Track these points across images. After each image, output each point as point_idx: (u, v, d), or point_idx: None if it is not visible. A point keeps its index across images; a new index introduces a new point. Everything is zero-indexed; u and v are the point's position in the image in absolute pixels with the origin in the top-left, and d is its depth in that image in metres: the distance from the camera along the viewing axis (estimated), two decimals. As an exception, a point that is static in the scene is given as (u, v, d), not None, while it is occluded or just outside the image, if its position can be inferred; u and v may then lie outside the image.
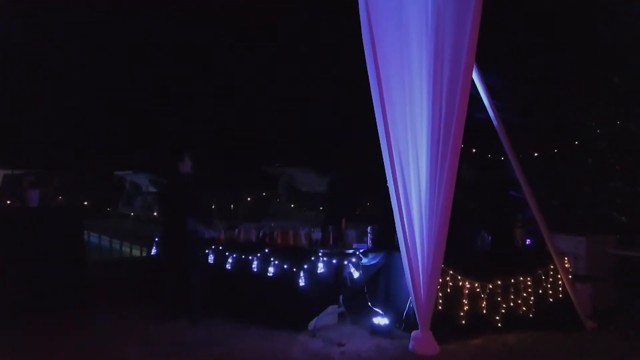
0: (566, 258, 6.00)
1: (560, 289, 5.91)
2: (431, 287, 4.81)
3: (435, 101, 4.85)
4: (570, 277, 5.91)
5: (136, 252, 8.95)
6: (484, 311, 5.52)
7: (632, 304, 6.36)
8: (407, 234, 4.79)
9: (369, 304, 5.71)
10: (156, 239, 6.85)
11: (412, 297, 4.95)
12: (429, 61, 4.90)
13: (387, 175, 4.81)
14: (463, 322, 5.38)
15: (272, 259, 5.72)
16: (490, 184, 7.77)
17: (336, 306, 5.83)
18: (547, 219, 6.20)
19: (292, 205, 9.99)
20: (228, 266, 6.16)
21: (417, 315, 4.91)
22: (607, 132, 7.08)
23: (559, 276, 5.90)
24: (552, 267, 5.91)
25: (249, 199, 11.21)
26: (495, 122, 5.73)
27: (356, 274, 5.54)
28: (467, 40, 4.69)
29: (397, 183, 4.76)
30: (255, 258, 5.90)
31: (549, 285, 5.88)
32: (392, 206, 4.78)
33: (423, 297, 4.85)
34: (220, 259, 6.30)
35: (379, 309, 5.67)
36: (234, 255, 6.16)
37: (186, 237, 5.78)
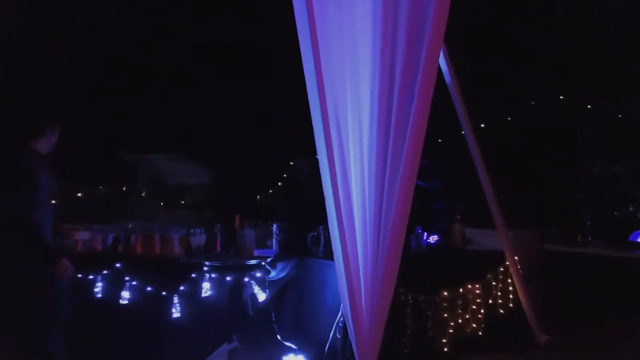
0: (516, 258, 4.89)
1: (511, 296, 4.79)
2: (380, 310, 3.24)
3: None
4: (522, 282, 4.81)
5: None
6: (429, 333, 4.18)
7: (565, 307, 5.70)
8: (346, 234, 3.16)
9: (278, 336, 4.00)
10: None
11: (348, 323, 3.36)
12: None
13: (317, 148, 3.15)
14: (405, 351, 3.99)
15: (126, 278, 3.73)
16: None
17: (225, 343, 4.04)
18: (471, 212, 5.54)
19: (160, 203, 7.88)
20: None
21: (356, 352, 3.31)
22: (544, 107, 6.20)
23: (509, 281, 4.77)
24: (501, 269, 4.76)
25: (98, 193, 8.74)
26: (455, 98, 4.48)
27: (262, 297, 3.79)
28: None
29: (333, 161, 3.11)
30: (100, 277, 3.83)
31: (499, 294, 4.72)
32: (325, 196, 3.13)
33: (366, 325, 3.26)
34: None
35: (290, 341, 4.00)
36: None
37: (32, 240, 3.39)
